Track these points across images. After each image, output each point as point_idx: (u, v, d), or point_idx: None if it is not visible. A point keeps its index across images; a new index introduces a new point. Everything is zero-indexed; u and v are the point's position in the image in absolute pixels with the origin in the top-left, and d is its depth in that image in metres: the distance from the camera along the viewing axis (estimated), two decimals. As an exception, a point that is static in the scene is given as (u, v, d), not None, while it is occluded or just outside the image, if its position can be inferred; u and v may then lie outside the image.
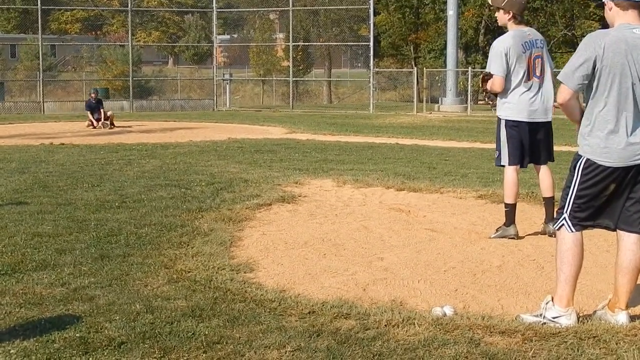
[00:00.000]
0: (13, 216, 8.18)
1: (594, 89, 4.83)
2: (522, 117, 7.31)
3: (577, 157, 4.95)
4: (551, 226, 7.34)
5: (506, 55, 7.25)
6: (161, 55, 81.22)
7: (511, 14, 7.34)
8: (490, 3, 7.64)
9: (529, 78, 7.29)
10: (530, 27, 7.69)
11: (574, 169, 4.93)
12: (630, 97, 4.76)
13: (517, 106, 7.33)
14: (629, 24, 4.82)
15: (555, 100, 5.23)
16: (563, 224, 4.97)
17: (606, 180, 4.83)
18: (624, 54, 4.72)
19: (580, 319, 4.95)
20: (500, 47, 7.31)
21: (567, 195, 4.95)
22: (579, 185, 4.90)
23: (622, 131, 4.78)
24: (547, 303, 4.98)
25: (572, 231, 4.94)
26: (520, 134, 7.37)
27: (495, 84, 7.36)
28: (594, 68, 4.76)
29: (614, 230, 5.00)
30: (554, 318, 4.90)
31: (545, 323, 4.88)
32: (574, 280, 4.95)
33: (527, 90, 7.30)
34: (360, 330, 4.72)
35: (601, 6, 5.08)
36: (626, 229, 4.93)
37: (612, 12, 4.91)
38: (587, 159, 4.87)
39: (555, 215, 5.15)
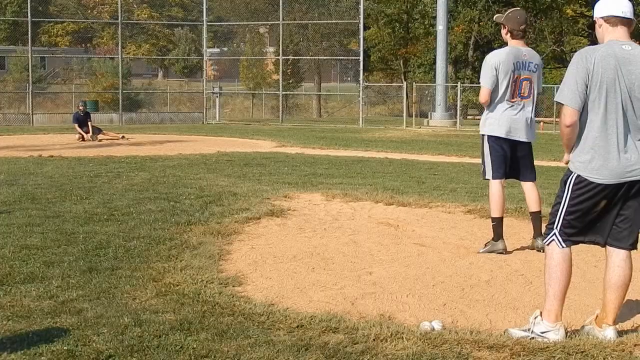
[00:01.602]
0: (1, 228, 8.15)
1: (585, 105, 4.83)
2: (502, 132, 7.35)
3: (569, 172, 4.94)
4: (539, 241, 7.38)
5: (496, 69, 7.30)
6: (151, 68, 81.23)
7: (507, 29, 7.41)
8: (495, 20, 7.74)
9: (512, 97, 7.33)
10: (528, 46, 7.69)
11: (564, 184, 4.93)
12: (620, 112, 4.76)
13: (498, 121, 7.38)
14: (618, 40, 4.86)
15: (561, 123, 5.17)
16: (553, 239, 4.96)
17: (597, 196, 4.83)
18: (613, 70, 4.73)
19: (568, 334, 4.96)
20: (492, 60, 7.37)
21: (558, 211, 4.95)
22: (569, 201, 4.89)
23: (614, 148, 4.77)
24: (535, 318, 4.98)
25: (563, 247, 4.94)
26: (503, 149, 7.41)
27: (482, 95, 7.46)
28: (585, 84, 4.77)
29: (604, 246, 5.01)
30: (542, 333, 4.89)
31: (533, 338, 4.87)
32: (562, 295, 4.96)
33: (510, 107, 7.35)
34: (348, 345, 4.72)
35: (592, 25, 5.14)
36: (616, 245, 4.94)
37: (602, 29, 4.95)
38: (578, 175, 4.87)
39: (545, 231, 5.15)
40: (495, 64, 7.31)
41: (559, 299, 4.94)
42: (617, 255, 4.94)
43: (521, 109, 7.38)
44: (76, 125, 23.92)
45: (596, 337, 4.90)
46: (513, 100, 7.32)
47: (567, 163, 5.01)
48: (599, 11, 5.00)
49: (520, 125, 7.38)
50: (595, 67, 4.73)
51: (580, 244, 5.13)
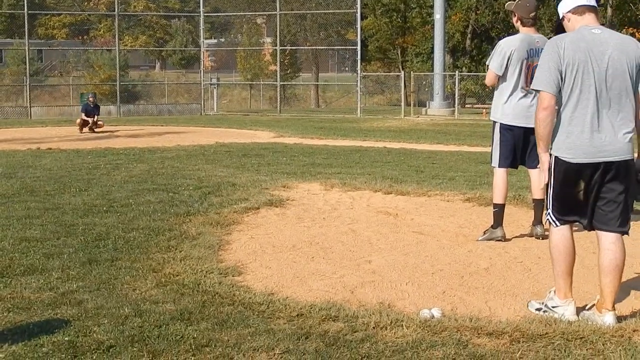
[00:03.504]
0: (0, 221, 8.16)
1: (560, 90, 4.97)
2: (518, 122, 7.35)
3: (551, 155, 5.08)
4: (539, 229, 7.41)
5: (509, 58, 7.31)
6: (148, 59, 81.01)
7: (517, 16, 7.41)
8: (506, 8, 7.75)
9: (526, 84, 7.32)
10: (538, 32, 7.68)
11: (549, 168, 5.08)
12: (593, 93, 4.87)
13: (513, 111, 7.37)
14: (587, 25, 5.02)
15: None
16: (548, 220, 5.17)
17: (574, 176, 4.96)
18: (584, 52, 4.88)
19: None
20: (505, 47, 7.38)
21: (547, 193, 5.14)
22: (554, 182, 5.06)
23: (587, 128, 4.89)
24: (550, 293, 5.21)
25: (557, 225, 5.08)
26: (514, 137, 7.41)
27: (488, 77, 7.54)
28: (558, 69, 4.90)
29: (590, 229, 5.12)
30: (552, 307, 5.11)
31: (546, 311, 5.10)
32: (566, 274, 5.09)
33: (524, 96, 7.35)
34: (348, 333, 4.74)
35: (556, 28, 5.33)
36: (604, 229, 5.02)
37: (571, 22, 5.13)
38: (556, 157, 5.01)
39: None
40: (508, 52, 7.32)
41: (564, 277, 5.09)
42: (605, 239, 5.01)
43: (534, 96, 7.37)
44: (83, 114, 23.92)
45: (596, 322, 4.93)
46: (526, 87, 7.32)
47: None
48: (564, 6, 5.19)
49: (532, 112, 7.37)
50: (565, 51, 4.89)
51: (584, 231, 5.29)
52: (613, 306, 5.00)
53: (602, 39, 4.93)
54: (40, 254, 6.69)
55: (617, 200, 4.96)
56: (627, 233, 5.05)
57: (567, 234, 5.09)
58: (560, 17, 5.22)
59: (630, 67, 4.90)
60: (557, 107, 5.02)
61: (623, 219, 5.00)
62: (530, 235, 7.59)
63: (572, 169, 4.94)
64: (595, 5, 5.14)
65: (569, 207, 5.03)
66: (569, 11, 5.12)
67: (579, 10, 5.08)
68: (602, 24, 5.17)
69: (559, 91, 4.94)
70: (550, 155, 5.06)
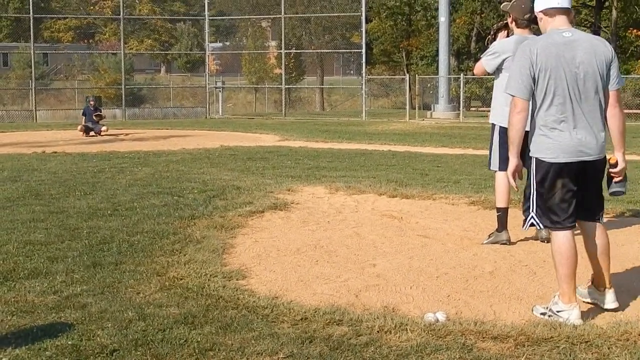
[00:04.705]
0: (5, 224, 8.17)
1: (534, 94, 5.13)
2: None
3: (529, 159, 5.23)
4: (544, 232, 7.38)
5: (504, 60, 7.31)
6: (153, 63, 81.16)
7: (512, 17, 7.41)
8: (502, 9, 7.77)
9: None
10: (535, 33, 7.69)
11: (529, 171, 5.24)
12: (567, 96, 5.03)
13: None
14: (558, 28, 5.15)
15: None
16: (532, 222, 5.29)
17: (556, 176, 5.08)
18: (555, 57, 5.02)
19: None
20: (500, 50, 7.39)
21: (531, 197, 5.25)
22: (536, 185, 5.19)
23: (566, 129, 5.04)
24: (555, 297, 5.22)
25: (540, 228, 5.35)
26: None
27: (477, 67, 7.69)
28: (531, 74, 5.04)
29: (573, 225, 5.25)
30: (557, 312, 5.11)
31: (550, 315, 5.10)
32: (569, 277, 5.11)
33: None
34: (352, 337, 4.72)
35: (535, 19, 5.52)
36: (588, 219, 5.24)
37: (543, 22, 5.28)
38: (536, 158, 5.16)
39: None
40: (503, 55, 7.32)
41: (567, 281, 5.12)
42: (591, 228, 5.25)
43: None
44: (84, 118, 24.04)
45: (596, 299, 5.34)
46: None
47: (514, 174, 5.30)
48: (538, 5, 5.31)
49: None
50: (538, 57, 5.04)
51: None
52: (610, 283, 5.28)
53: (573, 41, 5.07)
54: (44, 257, 6.70)
55: (596, 194, 5.23)
56: (601, 220, 5.34)
57: (569, 237, 5.14)
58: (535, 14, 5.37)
59: (601, 68, 5.07)
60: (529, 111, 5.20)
61: (601, 209, 5.31)
62: (535, 238, 7.57)
63: (553, 169, 5.07)
64: (568, 6, 5.23)
65: (554, 207, 5.13)
66: (541, 11, 5.25)
67: (550, 12, 5.20)
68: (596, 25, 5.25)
69: (532, 95, 5.11)
70: (530, 158, 5.21)
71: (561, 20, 5.18)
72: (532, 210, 5.23)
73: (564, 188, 5.08)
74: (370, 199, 10.11)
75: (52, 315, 5.12)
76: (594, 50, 5.08)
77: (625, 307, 5.38)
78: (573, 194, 5.10)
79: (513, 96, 5.15)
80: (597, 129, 5.10)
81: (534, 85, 5.07)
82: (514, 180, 5.31)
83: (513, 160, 5.24)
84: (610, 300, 5.28)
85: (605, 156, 5.20)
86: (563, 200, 5.09)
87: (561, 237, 5.12)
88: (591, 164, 5.11)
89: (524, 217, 5.40)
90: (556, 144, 5.04)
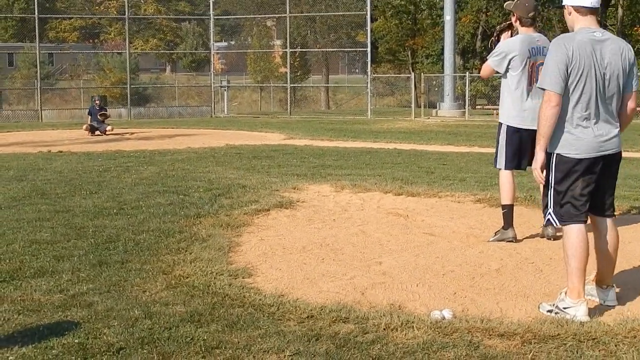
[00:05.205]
0: (11, 223, 8.17)
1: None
2: (525, 124, 7.30)
3: (548, 155, 5.23)
4: (550, 229, 7.37)
5: (510, 59, 7.30)
6: (159, 62, 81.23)
7: (516, 16, 7.39)
8: (505, 8, 7.76)
9: (530, 83, 7.30)
10: (540, 32, 7.68)
11: (548, 167, 5.25)
12: (594, 93, 5.11)
13: (520, 113, 7.35)
14: (589, 27, 5.19)
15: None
16: (550, 218, 5.30)
17: (577, 172, 5.13)
18: (590, 56, 5.08)
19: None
20: (506, 49, 7.38)
21: (549, 193, 5.27)
22: (555, 180, 5.21)
23: (590, 125, 5.12)
24: (561, 294, 5.23)
25: (557, 225, 5.44)
26: (521, 140, 7.37)
27: (483, 70, 7.70)
28: (566, 70, 5.08)
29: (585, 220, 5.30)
30: (564, 308, 5.12)
31: (557, 313, 5.10)
32: (580, 271, 5.13)
33: (529, 97, 7.31)
34: (359, 334, 4.72)
35: (562, 7, 5.48)
36: (602, 215, 5.31)
37: (572, 17, 5.29)
38: (558, 154, 5.18)
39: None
40: (509, 55, 7.32)
41: (577, 274, 5.13)
42: (603, 224, 5.33)
43: (539, 97, 7.33)
44: (89, 117, 24.16)
45: (596, 297, 5.39)
46: (531, 87, 7.29)
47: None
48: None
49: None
50: (574, 53, 5.09)
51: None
52: (612, 282, 5.43)
53: (602, 42, 5.14)
54: (50, 256, 6.70)
55: (611, 190, 5.35)
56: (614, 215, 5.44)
57: (583, 230, 5.17)
58: (563, 5, 5.35)
59: (624, 70, 5.18)
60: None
61: (614, 205, 5.42)
62: (542, 236, 7.55)
63: (576, 165, 5.12)
64: (598, 6, 5.27)
65: (573, 201, 5.15)
66: (573, 6, 5.25)
67: (582, 10, 5.22)
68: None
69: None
70: (550, 153, 5.22)
71: (591, 20, 5.24)
72: (550, 207, 5.28)
73: (583, 183, 5.14)
74: (375, 197, 10.09)
75: (58, 314, 5.12)
76: (620, 52, 5.18)
77: (632, 304, 5.37)
78: (591, 188, 5.17)
79: (546, 90, 5.14)
80: (615, 124, 5.21)
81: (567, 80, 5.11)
82: (541, 174, 5.28)
83: (541, 154, 5.24)
84: (612, 297, 5.39)
85: (621, 151, 5.30)
86: (582, 194, 5.15)
87: (575, 230, 5.15)
88: (611, 157, 5.20)
89: (543, 215, 5.50)
90: (580, 140, 5.11)
